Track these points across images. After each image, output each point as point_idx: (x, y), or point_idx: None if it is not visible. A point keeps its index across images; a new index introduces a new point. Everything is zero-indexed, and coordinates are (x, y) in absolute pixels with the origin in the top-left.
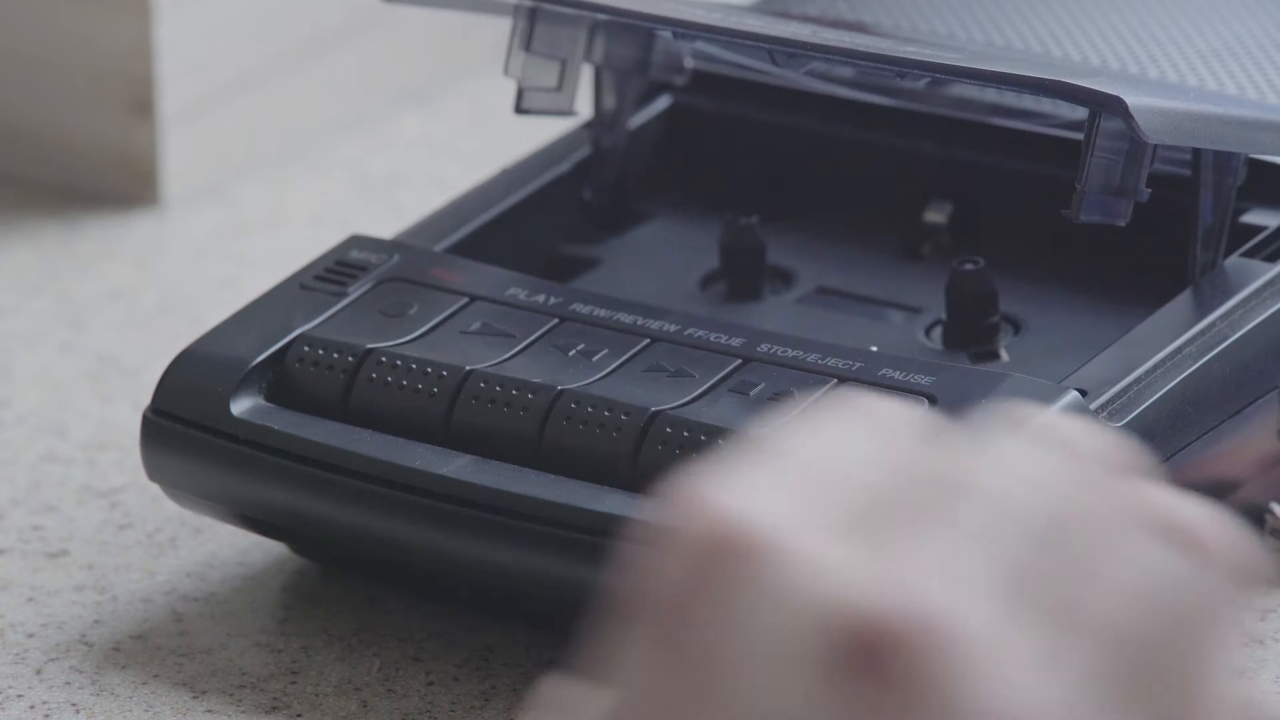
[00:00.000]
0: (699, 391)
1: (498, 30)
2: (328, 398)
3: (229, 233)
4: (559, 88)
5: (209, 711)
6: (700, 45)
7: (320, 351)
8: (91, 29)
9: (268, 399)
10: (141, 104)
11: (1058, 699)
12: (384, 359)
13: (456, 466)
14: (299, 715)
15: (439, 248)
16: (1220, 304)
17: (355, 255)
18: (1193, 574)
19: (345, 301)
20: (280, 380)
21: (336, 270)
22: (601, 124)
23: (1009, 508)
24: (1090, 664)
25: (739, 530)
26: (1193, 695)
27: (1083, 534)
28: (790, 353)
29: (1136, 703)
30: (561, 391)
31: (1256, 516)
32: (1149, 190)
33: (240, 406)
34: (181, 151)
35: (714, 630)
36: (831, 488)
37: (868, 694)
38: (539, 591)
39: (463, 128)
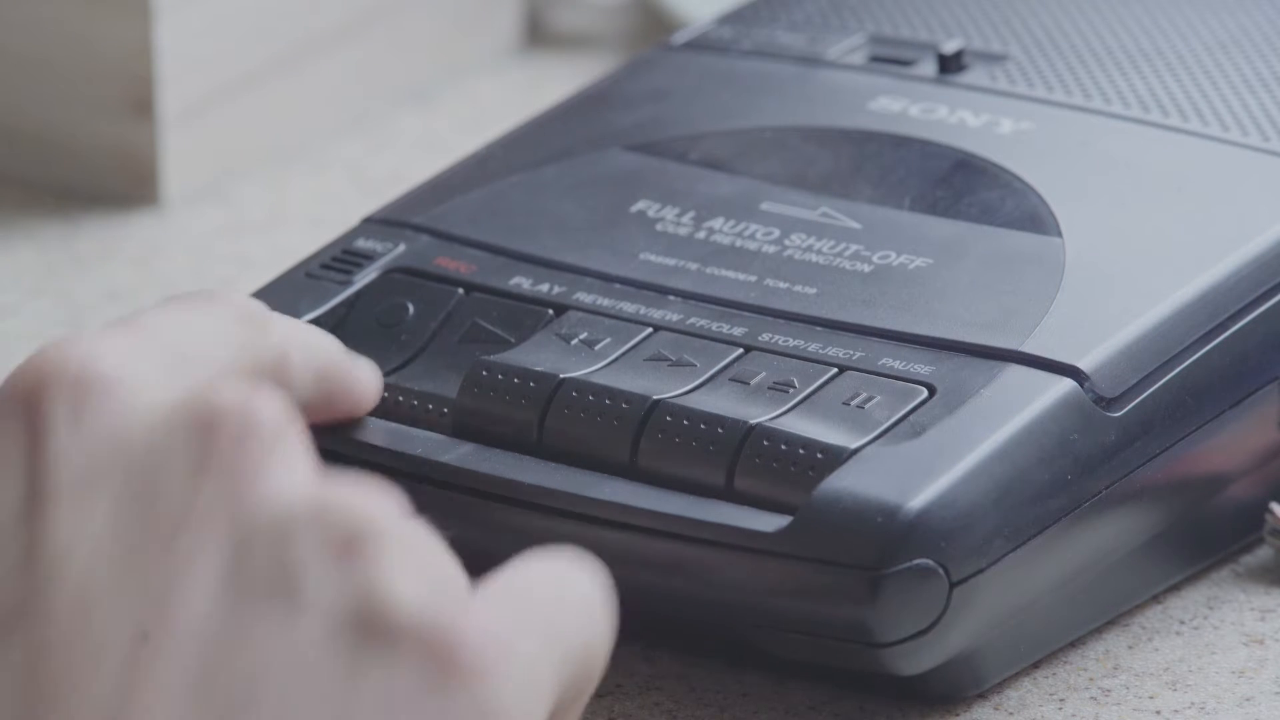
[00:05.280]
0: (700, 381)
1: (498, 30)
2: None
3: (229, 233)
4: None
5: None
6: None
7: None
8: (91, 29)
9: None
10: (141, 104)
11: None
12: None
13: (458, 454)
14: None
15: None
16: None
17: (361, 244)
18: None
19: (349, 291)
20: None
21: (342, 259)
22: None
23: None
24: None
25: (70, 361)
26: None
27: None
28: (791, 342)
29: None
30: (563, 380)
31: (1256, 515)
32: None
33: None
34: (181, 151)
35: (59, 446)
36: (159, 346)
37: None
38: None
39: (463, 128)
